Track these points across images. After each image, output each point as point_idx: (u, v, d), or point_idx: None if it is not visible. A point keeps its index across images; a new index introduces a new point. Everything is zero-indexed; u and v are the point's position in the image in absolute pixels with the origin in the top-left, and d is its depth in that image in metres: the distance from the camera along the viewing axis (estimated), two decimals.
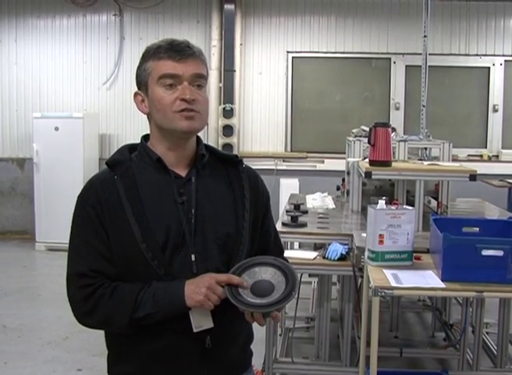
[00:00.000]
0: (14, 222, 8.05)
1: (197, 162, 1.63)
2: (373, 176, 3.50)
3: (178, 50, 1.55)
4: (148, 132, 1.69)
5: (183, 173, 1.61)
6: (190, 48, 1.57)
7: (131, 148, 1.67)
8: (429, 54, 4.91)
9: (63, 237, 7.14)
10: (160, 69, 1.55)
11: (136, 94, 1.64)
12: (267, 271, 1.54)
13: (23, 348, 4.31)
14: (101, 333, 1.65)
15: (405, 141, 4.17)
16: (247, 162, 1.77)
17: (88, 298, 1.53)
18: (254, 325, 1.59)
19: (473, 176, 3.42)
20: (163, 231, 1.54)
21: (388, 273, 2.57)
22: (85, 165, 7.21)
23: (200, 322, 1.51)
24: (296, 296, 3.80)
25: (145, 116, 1.65)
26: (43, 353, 4.23)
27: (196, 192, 1.59)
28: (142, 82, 1.60)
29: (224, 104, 7.42)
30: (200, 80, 1.58)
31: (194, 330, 1.51)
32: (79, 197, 1.60)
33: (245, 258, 1.60)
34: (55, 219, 7.06)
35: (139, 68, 1.61)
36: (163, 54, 1.55)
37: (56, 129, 7.15)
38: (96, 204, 1.54)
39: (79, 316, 1.57)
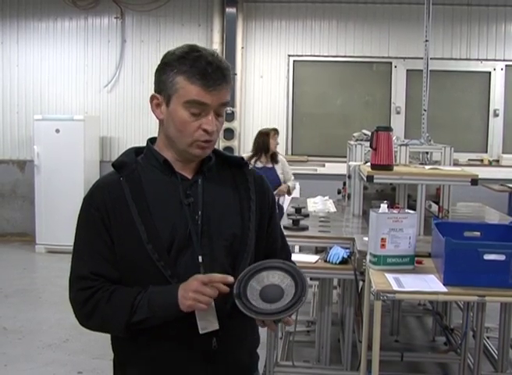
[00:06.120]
0: (14, 224, 8.05)
1: (203, 165, 1.63)
2: (375, 180, 3.51)
3: (213, 78, 1.49)
4: (150, 135, 1.68)
5: (189, 175, 1.62)
6: (224, 75, 1.52)
7: (137, 150, 1.67)
8: (430, 58, 4.92)
9: (63, 239, 7.16)
10: (190, 93, 1.50)
11: (153, 97, 1.59)
12: (275, 275, 1.52)
13: (23, 350, 4.30)
14: (101, 336, 1.65)
15: (406, 145, 4.17)
16: None
17: (87, 301, 1.54)
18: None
19: (474, 181, 3.43)
20: (169, 232, 1.54)
21: (390, 276, 2.56)
22: (86, 167, 7.22)
23: (206, 324, 1.52)
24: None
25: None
26: (43, 355, 4.22)
27: (202, 194, 1.59)
28: (165, 90, 1.54)
29: None
30: (224, 108, 1.57)
31: (200, 332, 1.51)
32: (84, 199, 1.60)
33: (250, 260, 1.60)
34: (55, 221, 7.09)
35: (164, 73, 1.53)
36: (197, 80, 1.49)
37: (57, 131, 7.16)
38: (101, 206, 1.55)
39: (79, 318, 1.59)
